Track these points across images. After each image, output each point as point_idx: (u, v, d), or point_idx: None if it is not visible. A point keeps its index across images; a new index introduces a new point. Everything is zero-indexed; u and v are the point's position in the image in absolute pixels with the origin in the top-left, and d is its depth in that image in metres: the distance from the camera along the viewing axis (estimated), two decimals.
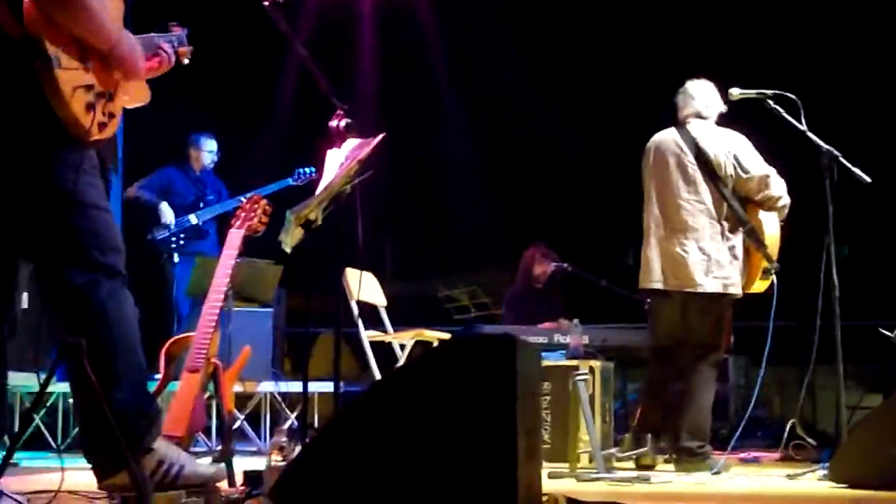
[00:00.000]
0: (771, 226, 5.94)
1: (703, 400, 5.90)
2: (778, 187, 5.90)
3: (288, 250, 3.77)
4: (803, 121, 5.71)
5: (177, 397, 4.04)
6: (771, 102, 5.81)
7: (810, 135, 5.69)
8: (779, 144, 6.07)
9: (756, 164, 5.91)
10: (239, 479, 3.80)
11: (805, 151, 5.74)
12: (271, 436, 7.80)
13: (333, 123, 3.89)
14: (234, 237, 4.37)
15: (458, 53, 11.37)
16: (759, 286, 5.99)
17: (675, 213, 5.90)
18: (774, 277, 5.95)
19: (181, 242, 7.88)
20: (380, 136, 3.85)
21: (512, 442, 3.11)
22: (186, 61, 3.90)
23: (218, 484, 3.54)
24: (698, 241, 5.84)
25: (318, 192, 3.80)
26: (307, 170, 7.84)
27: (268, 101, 10.70)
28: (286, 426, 4.74)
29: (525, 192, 12.22)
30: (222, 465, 3.71)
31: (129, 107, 3.54)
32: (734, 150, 5.92)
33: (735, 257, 5.89)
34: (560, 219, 11.80)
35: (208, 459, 4.36)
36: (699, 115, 6.07)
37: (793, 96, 5.77)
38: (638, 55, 10.68)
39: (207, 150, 8.25)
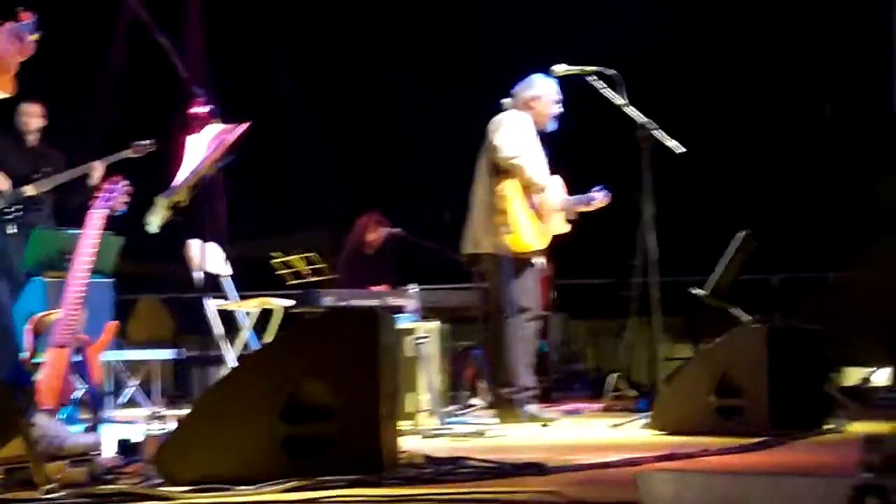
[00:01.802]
0: None
1: (511, 355, 6.31)
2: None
3: (154, 231, 3.97)
4: (623, 95, 6.14)
5: (46, 372, 4.19)
6: (592, 78, 6.23)
7: (629, 109, 6.13)
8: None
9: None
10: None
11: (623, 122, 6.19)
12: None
13: (194, 110, 4.09)
14: (96, 216, 4.52)
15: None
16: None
17: None
18: None
19: (17, 214, 7.80)
20: (245, 125, 4.07)
21: (376, 405, 3.43)
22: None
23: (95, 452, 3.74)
24: None
25: (184, 176, 4.01)
26: (146, 141, 7.87)
27: (99, 70, 10.63)
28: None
29: (354, 153, 12.51)
30: (98, 433, 3.90)
31: None
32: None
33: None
34: (386, 180, 12.14)
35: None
36: None
37: (613, 72, 6.19)
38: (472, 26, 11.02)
39: (37, 114, 8.10)
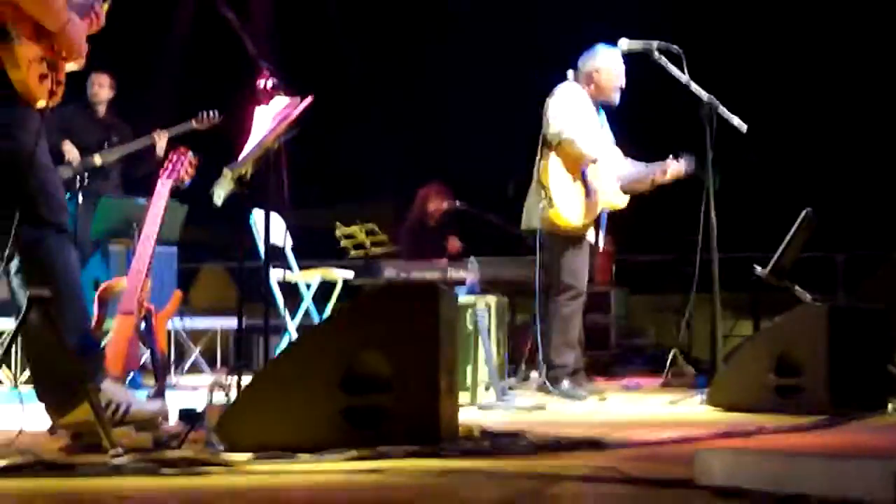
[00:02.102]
0: None
1: (551, 331, 6.36)
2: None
3: (219, 203, 4.03)
4: (686, 71, 6.10)
5: (112, 339, 4.28)
6: (656, 55, 6.19)
7: (692, 85, 6.09)
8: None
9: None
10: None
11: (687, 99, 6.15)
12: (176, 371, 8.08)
13: (261, 82, 4.14)
14: (163, 187, 4.60)
15: None
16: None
17: None
18: None
19: (85, 183, 7.94)
20: (308, 98, 4.12)
21: (435, 379, 3.47)
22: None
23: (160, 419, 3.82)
24: None
25: (250, 148, 4.06)
26: (211, 112, 7.97)
27: (164, 42, 10.76)
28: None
29: (416, 126, 12.54)
30: (164, 401, 3.98)
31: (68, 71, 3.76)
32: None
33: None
34: (451, 152, 12.17)
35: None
36: None
37: (676, 48, 6.15)
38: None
39: (108, 84, 8.25)
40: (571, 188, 6.31)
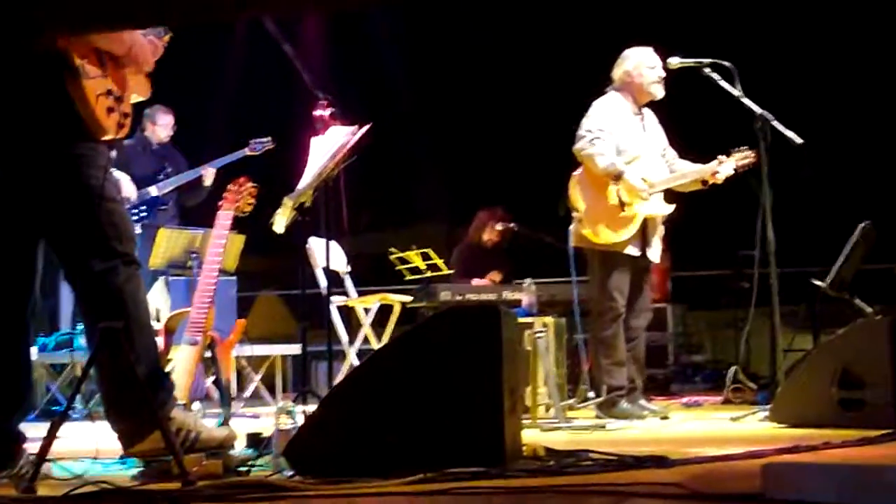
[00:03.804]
0: None
1: (598, 354, 6.29)
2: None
3: (280, 231, 4.09)
4: (738, 86, 6.10)
5: (178, 369, 4.35)
6: (708, 70, 6.19)
7: (745, 100, 6.08)
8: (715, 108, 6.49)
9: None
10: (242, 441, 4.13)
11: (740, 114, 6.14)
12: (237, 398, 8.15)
13: (318, 112, 4.21)
14: (224, 217, 4.67)
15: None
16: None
17: None
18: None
19: (142, 214, 8.06)
20: (366, 126, 4.18)
21: (499, 399, 3.50)
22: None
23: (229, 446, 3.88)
24: None
25: (309, 177, 4.13)
26: (263, 140, 8.07)
27: (218, 72, 10.90)
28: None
29: (466, 148, 12.62)
30: (232, 427, 4.03)
31: (133, 102, 3.85)
32: None
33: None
34: (499, 175, 12.22)
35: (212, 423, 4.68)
36: None
37: (728, 64, 6.15)
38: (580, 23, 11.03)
39: (163, 124, 8.40)
40: (603, 203, 6.19)
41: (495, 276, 8.73)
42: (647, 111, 6.50)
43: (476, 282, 8.42)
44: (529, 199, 10.00)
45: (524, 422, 5.69)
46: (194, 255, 7.30)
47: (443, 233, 12.50)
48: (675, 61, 6.26)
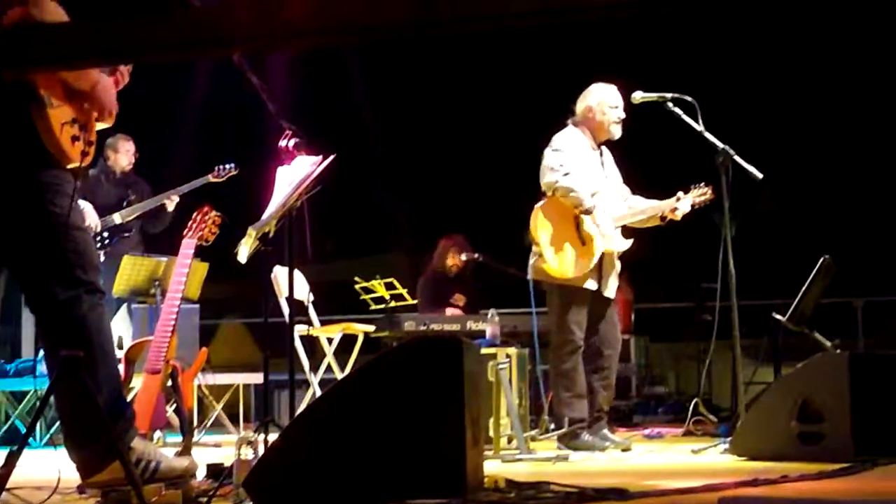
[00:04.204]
0: None
1: (558, 387, 6.29)
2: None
3: (244, 261, 4.10)
4: (700, 121, 6.15)
5: (139, 397, 4.34)
6: (670, 105, 6.23)
7: (707, 134, 6.13)
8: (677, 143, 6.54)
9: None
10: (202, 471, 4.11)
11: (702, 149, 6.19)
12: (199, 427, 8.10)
13: (283, 143, 4.22)
14: (188, 246, 4.67)
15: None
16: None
17: None
18: None
19: (105, 241, 8.02)
20: (330, 157, 4.20)
21: (461, 431, 3.51)
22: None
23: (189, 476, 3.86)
24: None
25: (273, 208, 4.13)
26: (227, 165, 8.06)
27: (183, 101, 10.90)
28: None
29: (431, 178, 12.66)
30: (193, 457, 4.01)
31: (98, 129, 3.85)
32: None
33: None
34: (464, 204, 12.25)
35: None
36: None
37: (690, 98, 6.20)
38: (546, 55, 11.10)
39: (124, 151, 8.37)
40: (563, 238, 6.21)
41: (459, 299, 8.74)
42: (605, 149, 6.56)
43: (450, 311, 8.41)
44: (494, 229, 10.04)
45: (486, 453, 5.71)
46: (157, 282, 7.29)
47: (407, 262, 12.52)
48: (638, 95, 6.29)
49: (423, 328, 7.51)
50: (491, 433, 6.03)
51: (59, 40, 1.72)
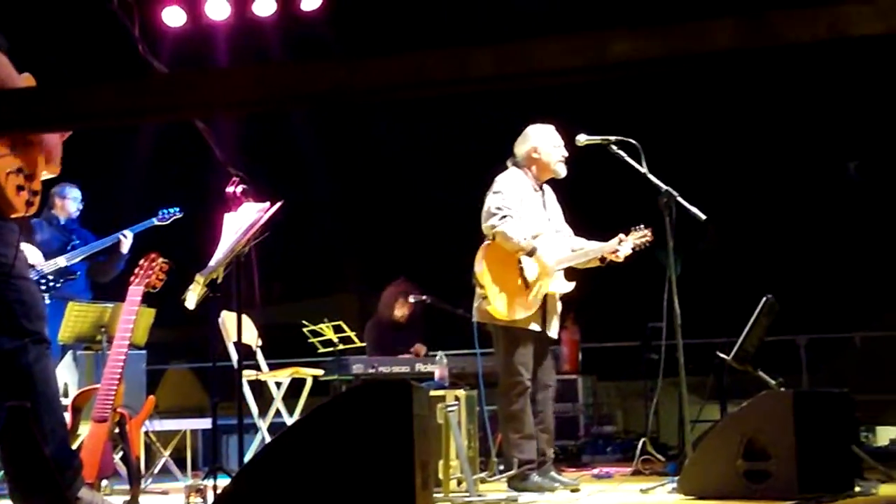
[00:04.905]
0: None
1: (507, 429, 6.30)
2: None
3: (192, 307, 4.09)
4: (644, 163, 6.23)
5: (85, 446, 4.30)
6: (614, 147, 6.31)
7: (650, 176, 6.21)
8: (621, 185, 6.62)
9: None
10: None
11: (646, 190, 6.26)
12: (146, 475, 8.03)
13: (230, 189, 4.23)
14: (135, 293, 4.65)
15: None
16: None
17: None
18: None
19: (50, 284, 7.94)
20: (278, 204, 4.22)
21: (410, 475, 3.52)
22: None
23: None
24: None
25: (221, 254, 4.14)
26: (171, 210, 8.04)
27: (130, 148, 10.87)
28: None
29: (379, 221, 12.69)
30: None
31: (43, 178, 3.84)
32: None
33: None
34: (411, 247, 12.29)
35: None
36: None
37: (633, 141, 6.28)
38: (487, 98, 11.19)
39: (72, 198, 8.32)
40: (507, 280, 6.24)
41: (420, 350, 8.74)
42: (547, 188, 6.60)
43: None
44: (442, 270, 10.05)
45: (436, 496, 5.73)
46: (103, 329, 7.23)
47: (355, 304, 12.54)
48: (582, 138, 6.35)
49: (371, 371, 7.51)
50: (440, 475, 6.04)
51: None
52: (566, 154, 6.48)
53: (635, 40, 1.31)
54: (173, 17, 9.07)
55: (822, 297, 10.92)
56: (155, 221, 8.11)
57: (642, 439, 7.18)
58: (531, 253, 6.20)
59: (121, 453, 4.82)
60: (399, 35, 10.50)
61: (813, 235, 11.57)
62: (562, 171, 6.49)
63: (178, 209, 8.07)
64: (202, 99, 1.45)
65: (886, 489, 5.35)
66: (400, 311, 8.82)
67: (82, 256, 8.09)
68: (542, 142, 6.47)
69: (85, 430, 4.62)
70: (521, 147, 6.51)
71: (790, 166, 11.54)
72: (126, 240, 8.05)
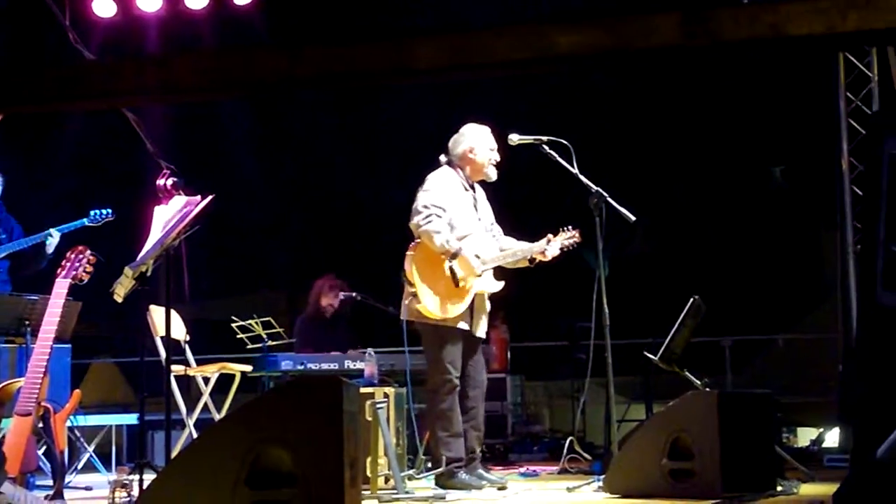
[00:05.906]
0: None
1: (435, 427, 6.29)
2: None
3: (120, 300, 4.05)
4: (575, 164, 6.27)
5: (9, 440, 4.24)
6: (546, 147, 6.35)
7: (581, 177, 6.26)
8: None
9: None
10: None
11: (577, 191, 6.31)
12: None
13: (161, 182, 4.19)
14: (61, 286, 4.59)
15: None
16: None
17: None
18: None
19: None
20: (209, 198, 4.18)
21: (340, 472, 3.52)
22: None
23: None
24: None
25: (150, 247, 4.10)
26: (103, 211, 7.91)
27: (59, 139, 10.71)
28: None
29: (309, 216, 12.64)
30: (65, 501, 3.95)
31: None
32: None
33: None
34: (347, 241, 12.26)
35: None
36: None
37: (565, 142, 6.32)
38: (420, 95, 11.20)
39: None
40: (437, 279, 6.21)
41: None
42: (478, 187, 6.58)
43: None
44: (372, 267, 10.04)
45: (364, 493, 5.72)
46: (27, 322, 7.10)
47: (284, 300, 12.47)
48: (514, 138, 6.38)
49: (300, 367, 7.48)
50: (368, 473, 6.03)
51: None
52: (498, 158, 6.47)
53: (581, 33, 1.32)
54: (103, 7, 8.95)
55: (747, 299, 11.07)
56: (86, 222, 7.94)
57: (569, 438, 7.23)
58: (454, 256, 6.17)
59: (44, 448, 4.75)
60: (336, 29, 10.45)
61: (739, 239, 11.73)
62: (493, 175, 6.47)
63: (110, 211, 7.91)
64: (137, 85, 1.44)
65: (807, 489, 5.45)
66: (326, 300, 8.77)
67: (6, 253, 7.94)
68: (479, 143, 6.44)
69: (8, 423, 4.55)
70: (457, 145, 6.48)
71: (717, 171, 11.68)
72: (53, 239, 7.91)
